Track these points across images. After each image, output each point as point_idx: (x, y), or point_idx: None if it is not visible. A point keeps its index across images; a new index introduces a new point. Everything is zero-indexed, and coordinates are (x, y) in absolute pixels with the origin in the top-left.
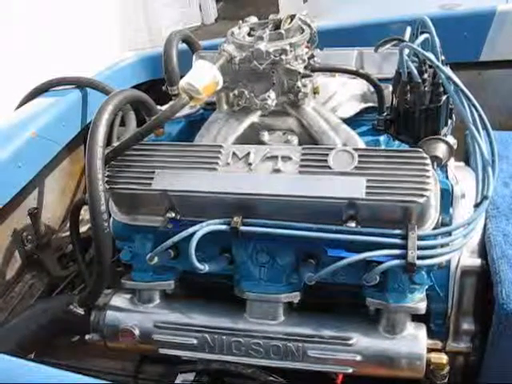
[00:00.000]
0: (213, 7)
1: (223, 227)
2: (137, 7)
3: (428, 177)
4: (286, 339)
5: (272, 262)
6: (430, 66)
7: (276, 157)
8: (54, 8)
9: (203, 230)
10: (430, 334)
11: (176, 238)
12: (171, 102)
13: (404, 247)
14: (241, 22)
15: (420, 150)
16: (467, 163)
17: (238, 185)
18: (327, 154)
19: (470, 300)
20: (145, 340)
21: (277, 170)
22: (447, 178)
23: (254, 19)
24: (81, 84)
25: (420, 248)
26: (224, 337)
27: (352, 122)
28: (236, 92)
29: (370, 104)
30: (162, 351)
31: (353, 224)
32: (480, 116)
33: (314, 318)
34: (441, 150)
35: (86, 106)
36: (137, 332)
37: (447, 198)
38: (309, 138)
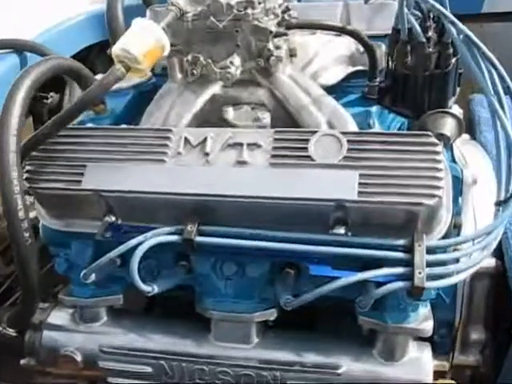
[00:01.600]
0: None
1: (174, 238)
2: None
3: (439, 170)
4: (260, 367)
5: (241, 274)
6: (435, 22)
7: (241, 144)
8: None
9: (148, 243)
10: (434, 350)
11: (114, 254)
12: (102, 75)
13: (409, 263)
14: None
15: (429, 133)
16: (470, 133)
17: (191, 182)
18: (307, 140)
19: (480, 306)
20: (89, 367)
21: (242, 162)
22: (454, 160)
23: None
24: (17, 48)
25: (429, 264)
26: (184, 364)
27: (337, 89)
28: (189, 58)
29: (359, 67)
30: (111, 380)
31: (341, 230)
32: (503, 78)
33: (294, 340)
34: (449, 126)
35: None
36: (79, 358)
37: (456, 186)
38: (284, 113)
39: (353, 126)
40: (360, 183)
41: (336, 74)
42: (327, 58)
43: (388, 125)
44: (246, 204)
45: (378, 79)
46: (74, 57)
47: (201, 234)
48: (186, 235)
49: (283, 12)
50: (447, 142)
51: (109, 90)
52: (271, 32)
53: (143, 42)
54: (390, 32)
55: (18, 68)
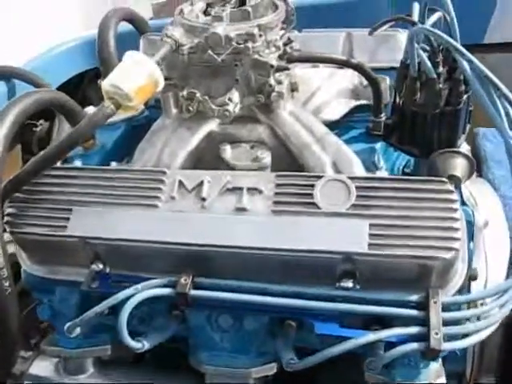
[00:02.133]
0: None
1: (166, 291)
2: None
3: (456, 220)
4: None
5: (238, 327)
6: (444, 56)
7: (240, 189)
8: None
9: (138, 296)
10: None
11: (100, 308)
12: (91, 111)
13: (424, 322)
14: None
15: (444, 179)
16: (477, 170)
17: (185, 230)
18: (312, 186)
19: (493, 357)
20: None
21: (241, 209)
22: (463, 201)
23: None
24: (5, 75)
25: (445, 323)
26: None
27: (340, 124)
28: (185, 93)
29: (363, 102)
30: None
31: (349, 284)
32: None
33: None
34: (460, 167)
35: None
36: None
37: (468, 231)
38: (285, 152)
39: (359, 168)
40: (370, 234)
41: (339, 108)
42: (330, 92)
43: (393, 163)
44: (246, 255)
45: (383, 114)
46: (66, 84)
47: (196, 287)
48: (179, 289)
49: (285, 44)
50: (458, 184)
51: (97, 128)
52: (272, 66)
53: (135, 77)
54: (394, 65)
55: (6, 96)
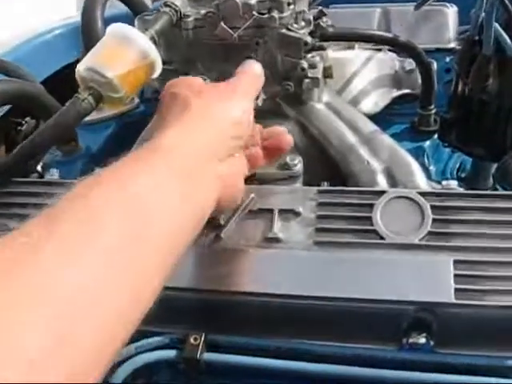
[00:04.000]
0: None
1: (171, 354)
2: None
3: None
4: None
5: None
6: None
7: (270, 211)
8: None
9: (131, 363)
10: None
11: None
12: (62, 109)
13: None
14: None
15: None
16: None
17: (194, 272)
18: (370, 206)
19: None
20: None
21: (272, 240)
22: None
23: None
24: None
25: None
26: None
27: (378, 117)
28: None
29: (406, 91)
30: None
31: (422, 340)
32: None
33: None
34: None
35: None
36: None
37: None
38: (320, 155)
39: (421, 177)
40: (456, 275)
41: (379, 99)
42: (368, 79)
43: (444, 165)
44: (278, 306)
45: (432, 106)
46: (54, 76)
47: (209, 348)
48: (188, 352)
49: (316, 18)
50: None
51: (67, 132)
52: (306, 44)
53: (121, 58)
54: (440, 46)
55: None
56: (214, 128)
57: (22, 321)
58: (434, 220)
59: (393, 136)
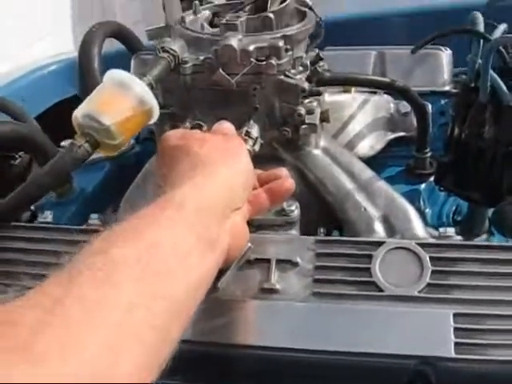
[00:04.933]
0: (177, 6)
1: None
2: (93, 4)
3: None
4: None
5: None
6: None
7: (267, 261)
8: None
9: None
10: None
11: None
12: (57, 155)
13: None
14: (196, 2)
15: None
16: None
17: (193, 322)
18: (369, 257)
19: None
20: None
21: (269, 291)
22: None
23: None
24: None
25: None
26: None
27: (372, 160)
28: (188, 125)
29: (401, 133)
30: None
31: None
32: None
33: None
34: None
35: None
36: None
37: None
38: (317, 201)
39: (418, 224)
40: (456, 328)
41: (374, 142)
42: (364, 122)
43: (440, 208)
44: (274, 359)
45: (427, 149)
46: (46, 113)
47: None
48: None
49: (313, 62)
50: None
51: (64, 177)
52: (304, 90)
53: (119, 105)
54: (435, 88)
55: None
56: (225, 183)
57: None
58: (433, 271)
59: (388, 179)
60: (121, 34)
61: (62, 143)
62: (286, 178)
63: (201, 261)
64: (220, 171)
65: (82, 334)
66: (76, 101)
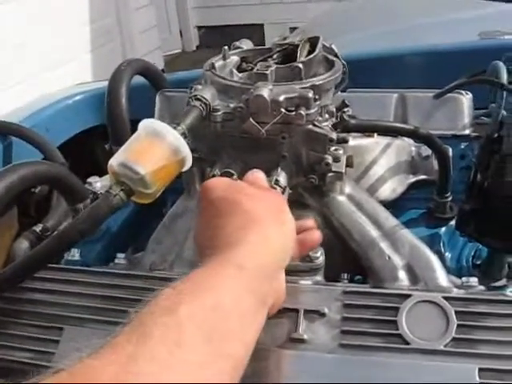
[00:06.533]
0: (194, 34)
1: None
2: (113, 34)
3: None
4: None
5: None
6: None
7: (295, 311)
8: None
9: None
10: None
11: None
12: (94, 202)
13: None
14: (225, 48)
15: None
16: None
17: None
18: (396, 309)
19: None
20: None
21: (297, 341)
22: None
23: (247, 43)
24: (2, 131)
25: None
26: None
27: (392, 203)
28: (217, 172)
29: (422, 177)
30: None
31: None
32: None
33: None
34: None
35: (8, 161)
36: None
37: None
38: (341, 247)
39: (441, 274)
40: None
41: (396, 185)
42: (386, 166)
43: (459, 252)
44: None
45: (448, 193)
46: (70, 141)
47: None
48: None
49: (339, 109)
50: None
51: (100, 224)
52: (332, 140)
53: (154, 155)
54: (456, 132)
55: (0, 155)
56: (277, 245)
57: None
58: (459, 326)
59: (408, 222)
60: (147, 71)
61: (89, 179)
62: (314, 230)
63: (255, 318)
64: (271, 231)
65: None
66: (96, 132)
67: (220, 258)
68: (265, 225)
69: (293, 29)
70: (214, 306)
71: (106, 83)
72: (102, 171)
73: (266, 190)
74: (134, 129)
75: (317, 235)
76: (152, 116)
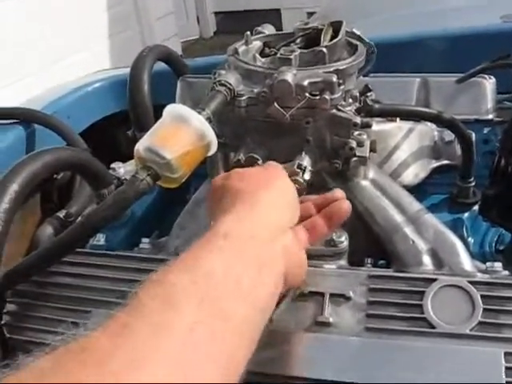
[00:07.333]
0: (211, 20)
1: None
2: (130, 20)
3: None
4: None
5: None
6: None
7: (321, 295)
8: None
9: None
10: None
11: None
12: (120, 188)
13: None
14: (248, 33)
15: None
16: None
17: None
18: (421, 293)
19: None
20: None
21: (322, 324)
22: None
23: (269, 28)
24: (25, 118)
25: None
26: None
27: (414, 188)
28: (242, 157)
29: (444, 161)
30: None
31: None
32: None
33: None
34: None
35: (31, 148)
36: None
37: None
38: (364, 232)
39: (465, 258)
40: (508, 368)
41: (419, 170)
42: (409, 151)
43: (482, 237)
44: None
45: (472, 179)
46: (91, 128)
47: None
48: None
49: (362, 93)
50: None
51: (126, 209)
52: (356, 125)
53: (179, 140)
54: (478, 117)
55: (24, 145)
56: (269, 206)
57: None
58: (485, 310)
59: (431, 207)
60: (169, 57)
61: (112, 165)
62: (343, 200)
63: (253, 284)
64: (261, 196)
65: (150, 353)
66: (117, 118)
67: (207, 233)
68: (252, 192)
69: (310, 14)
70: (202, 273)
71: (125, 70)
72: (123, 157)
73: (264, 166)
74: (156, 115)
75: (346, 204)
76: (173, 102)
